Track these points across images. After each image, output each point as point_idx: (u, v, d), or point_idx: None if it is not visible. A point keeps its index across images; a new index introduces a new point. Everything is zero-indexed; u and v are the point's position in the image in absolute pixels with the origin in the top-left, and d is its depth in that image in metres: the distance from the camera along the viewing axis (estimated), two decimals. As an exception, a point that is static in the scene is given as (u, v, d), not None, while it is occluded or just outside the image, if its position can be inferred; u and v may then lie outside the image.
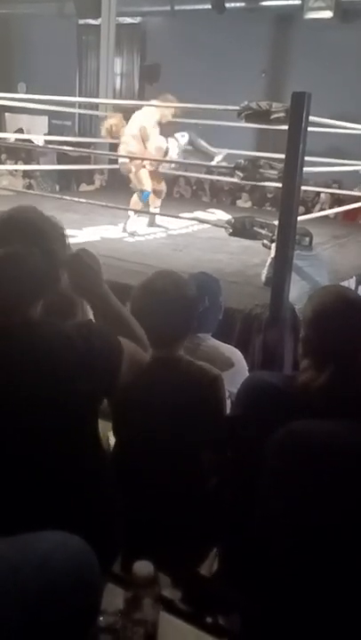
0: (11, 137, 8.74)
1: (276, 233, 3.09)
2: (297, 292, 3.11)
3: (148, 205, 5.35)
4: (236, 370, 2.03)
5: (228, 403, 1.87)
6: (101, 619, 0.98)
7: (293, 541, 1.11)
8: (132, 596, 0.96)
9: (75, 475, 1.17)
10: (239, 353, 2.17)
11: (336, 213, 6.70)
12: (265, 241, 3.51)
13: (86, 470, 1.20)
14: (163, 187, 5.43)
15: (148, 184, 5.15)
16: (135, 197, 5.27)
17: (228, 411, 1.81)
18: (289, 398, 1.34)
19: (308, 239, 3.65)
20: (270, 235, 3.57)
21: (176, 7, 9.85)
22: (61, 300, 1.28)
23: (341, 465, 1.10)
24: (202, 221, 5.29)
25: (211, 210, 6.70)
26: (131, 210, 5.18)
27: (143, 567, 0.97)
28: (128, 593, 0.97)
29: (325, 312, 1.35)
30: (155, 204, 5.38)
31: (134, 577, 0.96)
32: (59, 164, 8.85)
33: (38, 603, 0.69)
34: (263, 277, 3.55)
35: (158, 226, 5.47)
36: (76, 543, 0.81)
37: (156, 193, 5.31)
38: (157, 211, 5.41)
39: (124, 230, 5.11)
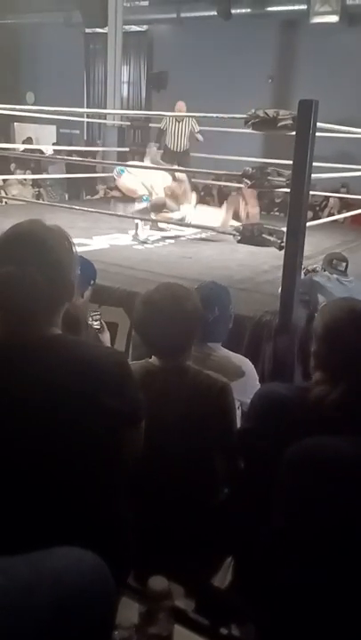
0: (20, 147, 8.82)
1: (284, 239, 3.09)
2: None
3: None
4: (246, 379, 2.03)
5: (239, 412, 1.87)
6: (116, 633, 0.98)
7: (307, 558, 1.11)
8: (147, 611, 0.96)
9: (88, 490, 1.17)
10: (249, 362, 2.16)
11: (345, 218, 6.69)
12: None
13: (99, 485, 1.21)
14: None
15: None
16: (136, 205, 5.35)
17: (238, 420, 1.81)
18: (302, 411, 1.34)
19: (344, 265, 3.63)
20: (279, 241, 3.57)
21: (182, 15, 9.91)
22: (66, 317, 1.29)
23: (356, 482, 1.10)
24: (210, 228, 5.30)
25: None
26: (140, 219, 5.21)
27: (158, 582, 0.98)
28: (143, 607, 0.97)
29: (337, 328, 1.35)
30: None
31: (149, 591, 0.97)
32: (67, 172, 8.91)
33: (53, 621, 0.69)
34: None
35: (161, 229, 5.53)
36: (90, 559, 0.81)
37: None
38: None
39: (135, 238, 5.13)
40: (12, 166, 9.46)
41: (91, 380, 1.15)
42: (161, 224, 5.48)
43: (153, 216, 5.32)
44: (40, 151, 8.60)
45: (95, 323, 2.14)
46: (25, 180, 8.73)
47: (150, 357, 1.71)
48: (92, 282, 2.62)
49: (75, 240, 1.26)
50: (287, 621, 1.21)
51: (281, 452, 1.17)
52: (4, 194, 7.68)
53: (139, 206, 5.34)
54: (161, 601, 0.95)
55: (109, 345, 2.28)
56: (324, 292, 3.25)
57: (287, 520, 1.15)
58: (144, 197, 5.29)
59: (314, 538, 1.10)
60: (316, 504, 1.10)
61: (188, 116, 6.54)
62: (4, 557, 0.76)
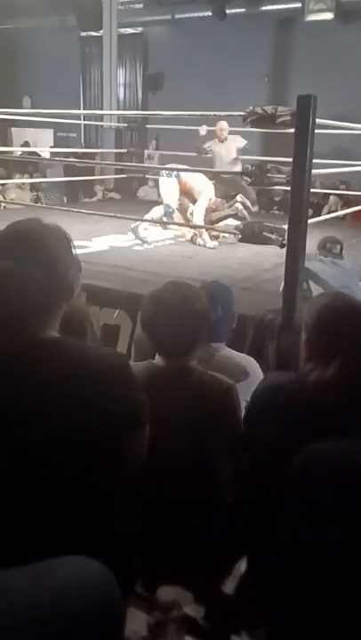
0: (18, 150, 8.80)
1: (285, 237, 3.06)
2: None
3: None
4: (251, 379, 1.99)
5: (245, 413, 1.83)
6: (124, 645, 0.94)
7: (319, 566, 1.08)
8: (156, 622, 0.92)
9: (90, 496, 1.14)
10: (254, 362, 2.13)
11: (345, 214, 6.65)
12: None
13: (102, 492, 1.17)
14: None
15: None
16: (160, 208, 5.28)
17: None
18: (302, 399, 1.40)
19: (339, 247, 3.63)
20: (280, 239, 3.54)
21: (177, 16, 9.89)
22: (71, 315, 1.25)
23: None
24: (211, 228, 5.27)
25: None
26: (144, 220, 5.18)
27: (165, 593, 0.94)
28: (151, 619, 0.94)
29: (329, 313, 1.43)
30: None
31: (157, 603, 0.93)
32: (65, 175, 8.88)
33: (58, 637, 0.66)
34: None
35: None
36: (95, 569, 0.77)
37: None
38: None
39: (134, 232, 5.07)
40: (9, 169, 9.43)
41: (90, 383, 1.11)
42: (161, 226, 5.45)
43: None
44: (37, 154, 8.58)
45: None
46: (23, 183, 8.70)
47: (153, 358, 1.67)
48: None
49: (74, 242, 1.23)
50: (300, 626, 1.18)
51: (284, 441, 1.16)
52: (2, 198, 7.65)
53: (157, 212, 5.29)
54: (169, 612, 0.92)
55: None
56: (318, 280, 3.22)
57: (303, 531, 1.12)
58: (169, 210, 5.25)
59: (329, 547, 1.06)
60: (330, 511, 1.07)
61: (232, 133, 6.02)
62: (4, 570, 0.73)
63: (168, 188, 5.29)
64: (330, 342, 1.40)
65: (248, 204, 5.39)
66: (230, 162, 5.94)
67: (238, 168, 5.65)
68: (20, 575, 0.70)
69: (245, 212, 5.28)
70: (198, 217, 5.19)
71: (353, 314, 1.43)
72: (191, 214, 5.33)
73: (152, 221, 5.24)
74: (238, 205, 5.36)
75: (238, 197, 5.48)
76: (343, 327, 1.40)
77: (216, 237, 5.26)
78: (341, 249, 3.68)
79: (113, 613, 0.75)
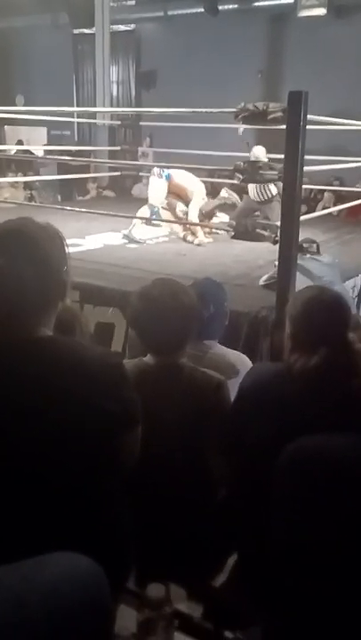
0: (11, 148, 8.78)
1: (278, 234, 3.06)
2: None
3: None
4: (242, 376, 1.99)
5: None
6: (115, 642, 0.95)
7: (314, 564, 1.08)
8: (146, 619, 0.93)
9: (84, 493, 1.14)
10: (247, 359, 2.13)
11: (339, 211, 6.65)
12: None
13: (95, 489, 1.17)
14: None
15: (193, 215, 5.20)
16: (145, 208, 5.27)
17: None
18: (289, 390, 1.44)
19: (315, 246, 3.69)
20: (273, 236, 3.55)
21: (169, 12, 9.87)
22: (61, 314, 1.25)
23: (354, 481, 1.07)
24: (204, 225, 5.26)
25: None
26: (135, 217, 5.16)
27: (156, 589, 0.95)
28: (141, 616, 0.94)
29: (315, 306, 1.50)
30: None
31: (147, 599, 0.93)
32: (59, 174, 8.86)
33: (48, 635, 0.66)
34: (265, 277, 3.52)
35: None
36: (85, 565, 0.77)
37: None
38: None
39: (128, 236, 5.06)
40: (2, 167, 9.39)
41: (86, 382, 1.12)
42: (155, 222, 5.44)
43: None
44: (30, 153, 8.54)
45: None
46: (17, 182, 8.67)
47: (145, 356, 1.68)
48: None
49: (68, 241, 1.23)
50: (295, 623, 1.18)
51: (275, 434, 1.16)
52: (-5, 197, 7.62)
53: (143, 212, 5.29)
54: (159, 609, 0.92)
55: None
56: (304, 272, 3.26)
57: (293, 526, 1.12)
58: (154, 209, 5.24)
59: (321, 543, 1.07)
60: (319, 505, 1.07)
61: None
62: None
63: (155, 189, 5.28)
64: (316, 333, 1.46)
65: (235, 196, 5.38)
66: (260, 188, 5.24)
67: (273, 191, 5.21)
68: (9, 572, 0.70)
69: (234, 198, 5.28)
70: (193, 217, 5.19)
71: (338, 305, 1.51)
72: (183, 213, 5.32)
73: (147, 219, 5.23)
74: (224, 194, 5.35)
75: (223, 190, 5.48)
76: (329, 318, 1.47)
77: (209, 233, 5.26)
78: (318, 248, 3.74)
79: (103, 609, 0.75)
